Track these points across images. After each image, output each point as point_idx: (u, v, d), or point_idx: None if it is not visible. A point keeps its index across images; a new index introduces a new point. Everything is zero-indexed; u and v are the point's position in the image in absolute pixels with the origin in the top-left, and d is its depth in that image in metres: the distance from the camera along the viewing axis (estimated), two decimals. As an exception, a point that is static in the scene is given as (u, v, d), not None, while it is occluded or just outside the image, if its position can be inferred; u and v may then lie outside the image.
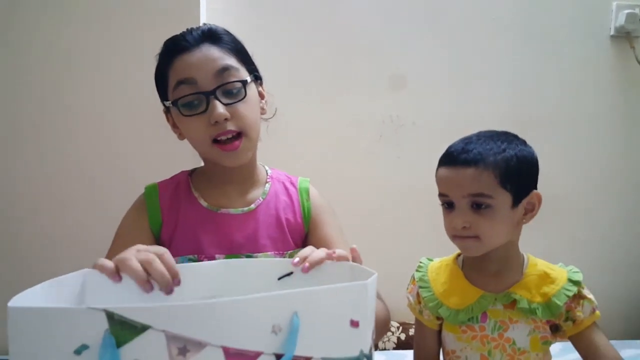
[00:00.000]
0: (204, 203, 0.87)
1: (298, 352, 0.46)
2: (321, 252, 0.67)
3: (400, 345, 1.38)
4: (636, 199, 1.63)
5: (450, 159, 0.78)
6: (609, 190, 1.62)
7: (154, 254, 0.58)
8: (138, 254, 0.58)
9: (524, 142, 0.79)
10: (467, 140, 0.79)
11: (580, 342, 0.78)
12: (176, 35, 0.84)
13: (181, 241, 0.84)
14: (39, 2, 1.26)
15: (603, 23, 1.58)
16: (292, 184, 0.94)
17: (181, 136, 0.87)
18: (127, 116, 1.30)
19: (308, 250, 0.68)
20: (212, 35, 0.83)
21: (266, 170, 0.94)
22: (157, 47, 0.85)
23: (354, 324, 0.49)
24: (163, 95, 0.85)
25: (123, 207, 0.89)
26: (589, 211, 1.62)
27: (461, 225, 0.75)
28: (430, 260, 0.89)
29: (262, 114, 0.89)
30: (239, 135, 0.81)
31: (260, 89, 0.89)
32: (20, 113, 1.28)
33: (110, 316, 0.43)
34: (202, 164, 0.93)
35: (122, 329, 0.43)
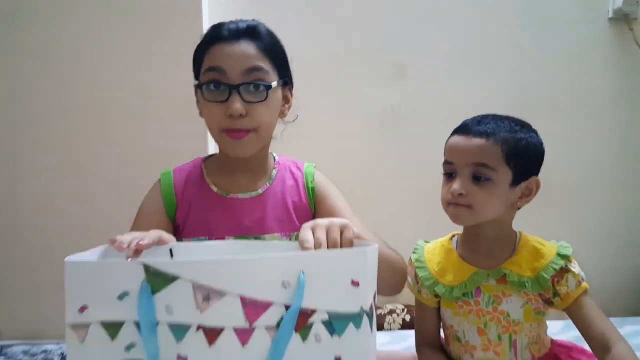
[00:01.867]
0: (214, 188, 0.91)
1: (305, 304, 0.53)
2: (321, 235, 0.63)
3: (406, 326, 1.44)
4: (635, 180, 1.64)
5: (465, 128, 0.82)
6: (608, 172, 1.63)
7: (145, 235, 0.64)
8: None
9: (536, 132, 0.84)
10: (484, 116, 0.84)
11: (572, 315, 0.81)
12: (222, 23, 0.87)
13: (194, 224, 0.89)
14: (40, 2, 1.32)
15: (601, 6, 1.59)
16: (299, 168, 0.98)
17: (201, 113, 0.91)
18: (133, 113, 1.36)
19: (308, 235, 0.63)
20: (253, 33, 0.85)
21: (274, 158, 0.98)
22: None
23: (355, 283, 0.56)
24: (196, 74, 0.89)
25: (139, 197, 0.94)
26: (588, 193, 1.63)
27: (459, 191, 0.79)
28: (427, 242, 0.94)
29: (281, 117, 0.92)
30: (249, 130, 0.84)
31: (287, 93, 0.92)
32: (24, 110, 1.35)
33: (147, 269, 0.51)
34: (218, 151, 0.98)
35: (157, 279, 0.51)
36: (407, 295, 0.95)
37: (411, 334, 0.96)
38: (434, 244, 0.93)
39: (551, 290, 0.81)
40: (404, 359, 0.99)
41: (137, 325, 0.51)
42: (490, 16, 1.58)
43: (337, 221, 0.66)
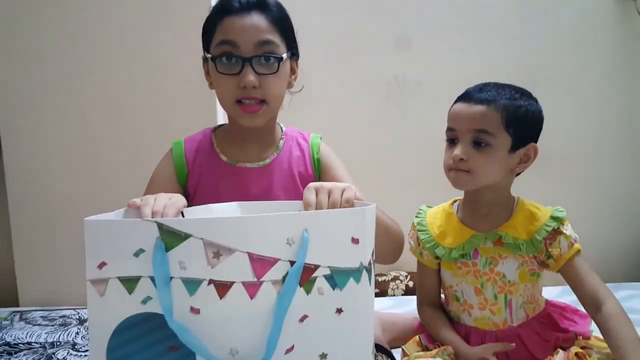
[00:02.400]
0: (223, 157, 0.94)
1: (308, 260, 0.57)
2: (323, 197, 0.67)
3: (409, 292, 1.48)
4: (634, 150, 1.65)
5: (467, 96, 0.85)
6: (613, 143, 1.64)
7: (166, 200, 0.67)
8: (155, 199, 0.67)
9: (536, 100, 0.86)
10: (485, 84, 0.86)
11: (565, 276, 0.84)
12: None
13: (204, 192, 0.92)
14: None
15: (606, -23, 1.57)
16: (305, 139, 1.00)
17: (211, 86, 0.93)
18: (145, 85, 1.36)
19: (311, 197, 0.67)
20: (263, 5, 0.87)
21: (281, 128, 1.00)
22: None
23: (355, 240, 0.60)
24: (205, 46, 0.91)
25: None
26: (587, 162, 1.65)
27: (460, 156, 0.82)
28: (429, 207, 0.97)
29: (288, 87, 0.94)
30: (261, 102, 0.87)
31: (294, 64, 0.94)
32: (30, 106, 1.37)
33: (160, 227, 0.54)
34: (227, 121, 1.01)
35: (170, 237, 0.54)
36: (410, 263, 0.98)
37: (413, 299, 1.00)
38: (435, 208, 0.96)
39: (544, 251, 0.84)
40: (405, 320, 1.04)
41: (152, 280, 0.55)
42: (495, -11, 1.57)
43: (340, 184, 0.69)
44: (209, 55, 0.89)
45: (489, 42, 1.59)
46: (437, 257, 0.91)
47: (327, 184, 0.69)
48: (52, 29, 1.35)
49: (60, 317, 1.29)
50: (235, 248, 0.55)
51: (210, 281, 0.55)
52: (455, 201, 0.95)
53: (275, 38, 0.87)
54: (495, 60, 1.58)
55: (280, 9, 0.90)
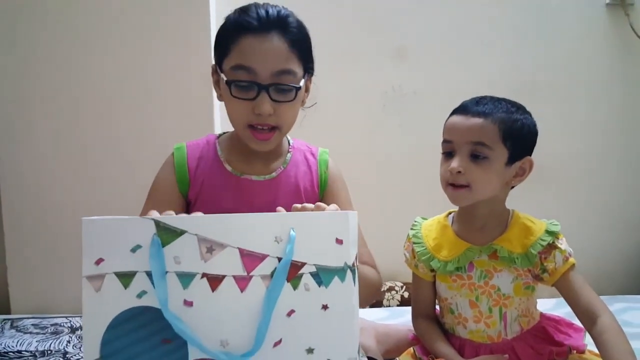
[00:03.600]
0: (228, 167, 0.91)
1: (295, 257, 0.61)
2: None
3: (404, 302, 1.49)
4: (635, 161, 1.68)
5: (463, 108, 0.86)
6: (607, 153, 1.67)
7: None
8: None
9: (530, 114, 0.88)
10: (482, 97, 0.87)
11: (560, 289, 0.85)
12: (250, 9, 0.84)
13: (205, 201, 0.89)
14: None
15: (598, -9, 1.62)
16: (313, 154, 0.97)
17: (220, 98, 0.90)
18: (142, 92, 1.37)
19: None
20: (284, 24, 0.83)
21: (288, 141, 0.98)
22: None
23: (339, 241, 0.63)
24: (218, 59, 0.87)
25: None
26: (587, 174, 1.67)
27: (457, 168, 0.82)
28: (425, 219, 0.97)
29: (301, 105, 0.91)
30: (274, 128, 0.85)
31: (308, 83, 0.91)
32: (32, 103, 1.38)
33: (157, 224, 0.58)
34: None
35: (166, 233, 0.58)
36: (406, 273, 0.99)
37: (408, 310, 0.99)
38: (431, 220, 0.96)
39: (539, 265, 0.84)
40: (400, 332, 1.03)
41: (148, 274, 0.59)
42: (491, 0, 1.62)
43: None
44: (222, 76, 0.85)
45: (484, 54, 1.62)
46: (432, 270, 0.90)
47: (309, 206, 0.71)
48: (47, 32, 1.36)
49: (52, 325, 1.29)
50: (227, 244, 0.59)
51: (204, 274, 0.59)
52: (450, 213, 0.95)
53: (294, 66, 0.84)
54: (491, 72, 1.61)
55: (300, 29, 0.86)
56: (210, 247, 0.58)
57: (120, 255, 0.59)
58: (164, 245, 0.58)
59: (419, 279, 0.94)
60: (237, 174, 0.91)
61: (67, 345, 1.18)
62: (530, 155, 0.87)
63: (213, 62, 0.90)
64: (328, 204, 0.91)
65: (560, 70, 1.64)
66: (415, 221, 0.97)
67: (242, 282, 0.59)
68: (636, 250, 1.68)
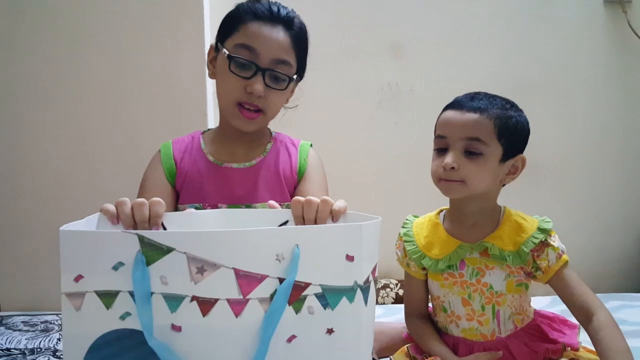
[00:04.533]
0: (210, 157, 0.95)
1: (299, 277, 0.53)
2: (310, 214, 0.67)
3: (398, 300, 1.47)
4: (631, 160, 1.65)
5: (458, 104, 0.83)
6: (605, 152, 1.64)
7: (147, 202, 0.65)
8: (135, 201, 0.65)
9: (522, 112, 0.85)
10: (476, 93, 0.85)
11: (555, 287, 0.83)
12: (264, 2, 0.91)
13: (189, 190, 0.92)
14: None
15: (596, -12, 1.58)
16: (294, 144, 1.01)
17: (212, 75, 0.94)
18: (138, 89, 1.34)
19: (297, 212, 0.68)
20: (290, 24, 0.90)
21: (271, 133, 1.01)
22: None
23: (349, 257, 0.56)
24: (221, 36, 0.91)
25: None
26: (583, 172, 1.64)
27: (451, 164, 0.79)
28: (416, 217, 0.95)
29: (285, 103, 0.97)
30: (260, 110, 0.90)
31: (295, 85, 0.97)
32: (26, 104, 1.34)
33: (141, 239, 0.51)
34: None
35: (151, 250, 0.50)
36: (400, 271, 0.96)
37: (403, 307, 0.98)
38: (422, 218, 0.94)
39: (531, 263, 0.82)
40: (394, 330, 1.01)
41: (132, 295, 0.51)
42: (487, -3, 1.58)
43: (329, 199, 0.67)
44: (224, 51, 0.88)
45: (481, 51, 1.59)
46: (424, 268, 0.89)
47: (315, 200, 0.67)
48: (35, 28, 1.31)
49: (42, 322, 1.24)
50: (220, 263, 0.51)
51: (193, 297, 0.51)
52: (441, 211, 0.93)
53: (291, 59, 0.90)
54: (489, 69, 1.58)
55: (303, 32, 0.93)
56: (201, 267, 0.51)
57: (101, 273, 0.52)
58: (149, 263, 0.51)
59: (411, 277, 0.93)
60: (219, 163, 0.94)
61: (57, 343, 1.13)
62: (522, 152, 0.85)
63: (212, 43, 0.94)
64: (303, 191, 0.94)
65: (557, 67, 1.61)
66: (407, 219, 0.95)
67: (237, 306, 0.52)
68: (632, 248, 1.66)
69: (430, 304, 0.95)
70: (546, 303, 1.24)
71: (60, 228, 0.52)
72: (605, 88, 1.62)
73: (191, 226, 0.71)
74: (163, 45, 1.32)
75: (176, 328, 0.52)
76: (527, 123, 0.84)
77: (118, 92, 1.34)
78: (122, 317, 0.52)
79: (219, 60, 0.90)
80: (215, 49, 0.92)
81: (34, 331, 1.19)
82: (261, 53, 0.86)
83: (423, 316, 0.93)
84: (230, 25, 0.90)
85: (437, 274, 0.87)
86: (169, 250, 0.51)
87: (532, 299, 0.89)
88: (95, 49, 1.32)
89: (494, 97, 0.84)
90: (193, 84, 1.32)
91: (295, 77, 0.92)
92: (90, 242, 0.51)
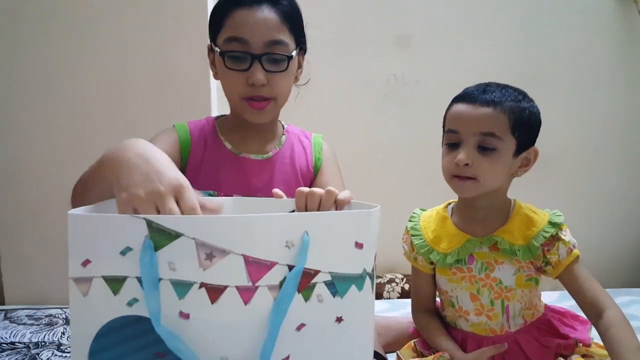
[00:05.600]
0: (228, 145, 0.92)
1: (308, 265, 0.52)
2: (312, 206, 0.66)
3: (404, 295, 1.45)
4: (635, 153, 1.63)
5: (470, 96, 0.80)
6: (612, 145, 1.62)
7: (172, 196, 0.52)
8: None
9: (533, 101, 0.83)
10: (487, 84, 0.82)
11: (565, 282, 0.81)
12: None
13: (204, 177, 0.89)
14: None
15: (606, -23, 1.56)
16: (307, 137, 0.99)
17: (216, 76, 0.91)
18: (139, 77, 1.33)
19: (300, 203, 0.67)
20: None
21: (283, 125, 1.00)
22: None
23: (359, 245, 0.55)
24: (212, 36, 0.89)
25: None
26: (594, 165, 1.62)
27: (464, 161, 0.77)
28: (423, 210, 0.93)
29: (295, 81, 0.93)
30: (268, 98, 0.86)
31: (301, 59, 0.93)
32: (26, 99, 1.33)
33: (150, 224, 0.49)
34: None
35: (159, 235, 0.49)
36: (407, 265, 0.95)
37: (409, 302, 0.97)
38: (429, 211, 0.92)
39: (542, 258, 0.80)
40: (400, 324, 1.00)
41: (139, 280, 0.50)
42: (495, -12, 1.56)
43: (333, 189, 0.66)
44: (217, 49, 0.86)
45: (489, 43, 1.57)
46: (431, 262, 0.88)
47: (318, 191, 0.65)
48: (38, 23, 1.30)
49: (46, 316, 1.23)
50: (229, 250, 0.50)
51: (202, 284, 0.50)
52: (449, 204, 0.91)
53: (285, 37, 0.85)
54: (496, 61, 1.56)
55: (291, 3, 0.88)
56: (210, 253, 0.50)
57: (109, 257, 0.50)
58: (157, 248, 0.50)
59: (419, 272, 0.92)
60: (237, 153, 0.92)
61: (61, 337, 1.12)
62: (534, 144, 0.82)
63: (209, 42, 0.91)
64: (321, 184, 0.92)
65: (566, 58, 1.59)
66: (414, 213, 0.93)
67: (247, 293, 0.51)
68: (642, 242, 1.63)
69: (437, 299, 0.93)
70: (554, 298, 1.23)
71: (69, 212, 0.51)
72: (615, 79, 1.60)
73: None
74: (166, 41, 1.31)
75: (184, 315, 0.51)
76: (539, 113, 0.82)
77: (121, 87, 1.33)
78: (130, 304, 0.51)
79: (216, 59, 0.88)
80: (211, 49, 0.90)
81: (38, 325, 1.18)
82: (251, 40, 0.83)
83: (430, 311, 0.92)
84: (216, 21, 0.87)
85: (445, 269, 0.85)
86: (178, 235, 0.49)
87: (541, 293, 0.88)
88: (98, 44, 1.31)
89: (506, 87, 0.81)
90: (196, 79, 1.31)
91: (294, 53, 0.87)
92: (98, 226, 0.50)
